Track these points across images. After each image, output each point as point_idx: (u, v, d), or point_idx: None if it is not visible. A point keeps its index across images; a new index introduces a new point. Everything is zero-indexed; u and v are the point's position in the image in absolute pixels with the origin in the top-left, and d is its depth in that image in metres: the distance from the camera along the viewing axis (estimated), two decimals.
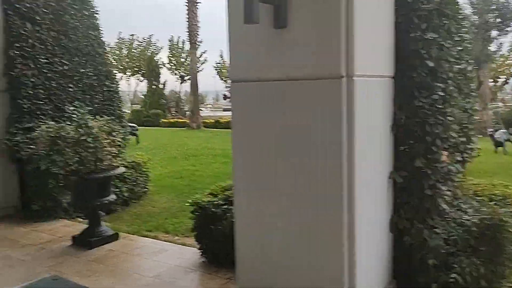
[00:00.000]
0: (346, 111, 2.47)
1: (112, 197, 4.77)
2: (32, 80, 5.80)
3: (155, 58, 30.86)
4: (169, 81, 32.94)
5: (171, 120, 26.29)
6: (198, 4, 21.10)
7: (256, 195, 2.90)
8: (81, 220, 5.69)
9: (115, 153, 4.70)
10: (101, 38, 6.86)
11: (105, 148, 4.56)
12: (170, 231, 5.41)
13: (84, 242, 4.63)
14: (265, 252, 2.90)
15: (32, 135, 5.43)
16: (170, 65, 32.56)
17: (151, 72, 28.86)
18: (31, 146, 5.36)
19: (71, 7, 6.37)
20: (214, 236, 3.95)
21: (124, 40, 34.18)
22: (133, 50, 33.41)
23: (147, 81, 29.64)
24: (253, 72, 2.77)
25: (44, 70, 5.95)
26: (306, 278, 2.74)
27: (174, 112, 29.77)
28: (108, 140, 4.61)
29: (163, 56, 33.83)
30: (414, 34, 3.04)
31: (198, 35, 21.31)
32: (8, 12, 5.77)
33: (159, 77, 29.41)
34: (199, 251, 4.17)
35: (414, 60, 3.06)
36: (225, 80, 29.50)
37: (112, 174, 4.67)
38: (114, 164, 4.78)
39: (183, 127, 23.00)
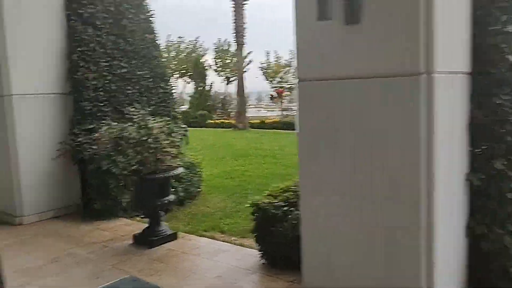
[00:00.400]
0: (426, 110, 2.35)
1: (172, 197, 4.83)
2: (93, 83, 6.00)
3: (201, 60, 31.36)
4: (215, 82, 33.41)
5: (217, 121, 26.56)
6: (244, 6, 21.23)
7: (324, 196, 2.82)
8: (140, 219, 5.81)
9: (174, 154, 4.76)
10: (157, 41, 7.01)
11: (164, 149, 4.63)
12: (226, 232, 5.41)
13: (145, 241, 4.71)
14: (335, 255, 2.81)
15: (94, 136, 5.63)
16: (216, 66, 32.98)
17: (197, 73, 29.33)
18: (93, 147, 5.55)
19: (129, 11, 6.54)
20: (275, 238, 3.89)
21: (172, 42, 34.98)
22: (180, 53, 34.12)
23: (193, 82, 30.15)
24: (323, 70, 2.69)
25: (104, 73, 6.14)
26: (379, 282, 2.63)
27: (220, 113, 30.09)
28: (168, 141, 4.67)
29: (209, 58, 34.39)
30: (493, 27, 2.85)
31: (244, 36, 21.46)
32: (71, 18, 6.00)
33: (206, 78, 29.83)
34: (259, 252, 4.13)
35: (493, 55, 2.87)
36: (270, 81, 29.49)
37: (171, 175, 4.72)
38: (173, 165, 4.84)
39: (229, 128, 23.19)
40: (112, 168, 5.44)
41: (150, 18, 6.89)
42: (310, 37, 2.72)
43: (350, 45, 2.54)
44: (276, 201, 4.03)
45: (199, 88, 29.29)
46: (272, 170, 9.43)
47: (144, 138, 4.46)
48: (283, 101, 24.56)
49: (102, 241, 4.91)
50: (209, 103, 29.39)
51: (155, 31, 6.91)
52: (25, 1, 5.66)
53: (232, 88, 31.05)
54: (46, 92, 5.89)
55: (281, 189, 4.28)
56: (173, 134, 4.76)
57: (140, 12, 6.72)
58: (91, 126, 5.89)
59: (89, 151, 5.52)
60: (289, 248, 3.79)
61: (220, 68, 33.06)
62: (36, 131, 5.79)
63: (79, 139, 5.79)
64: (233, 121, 24.57)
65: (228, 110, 30.26)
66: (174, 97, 7.22)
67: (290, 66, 27.79)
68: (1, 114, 5.59)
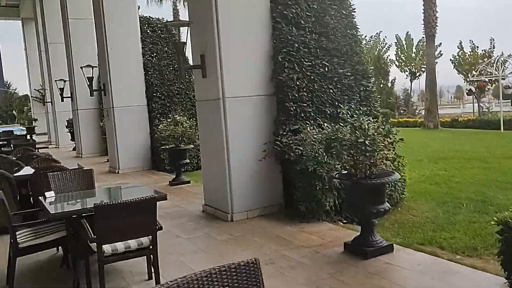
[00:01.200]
0: None
1: (387, 205, 4.37)
2: (297, 83, 5.95)
3: (383, 56, 30.01)
4: (398, 78, 31.68)
5: (400, 120, 24.95)
6: None
7: None
8: (343, 224, 5.53)
9: (391, 157, 4.30)
10: (358, 37, 6.64)
11: (382, 152, 4.21)
12: (445, 247, 4.70)
13: (358, 250, 4.37)
14: None
15: (300, 137, 5.56)
16: (399, 62, 31.16)
17: (379, 70, 28.12)
18: (300, 148, 5.48)
19: (331, 8, 6.33)
20: None
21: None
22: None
23: (375, 79, 29.03)
24: None
25: (308, 73, 6.04)
26: None
27: (403, 111, 28.29)
28: (385, 143, 4.23)
29: (391, 54, 32.67)
30: None
31: (436, 26, 19.49)
32: (277, 20, 6.07)
33: (388, 75, 28.43)
34: (506, 280, 3.37)
35: None
36: (464, 74, 26.34)
37: (389, 181, 4.27)
38: (389, 170, 4.39)
39: (415, 127, 21.48)
40: (319, 170, 5.29)
41: (352, 13, 6.55)
42: None
43: None
44: None
45: (380, 85, 28.04)
46: (485, 177, 8.12)
47: (360, 140, 4.10)
48: (484, 96, 21.56)
49: (312, 246, 4.75)
50: (391, 101, 27.88)
51: (357, 26, 6.55)
52: (235, 9, 5.92)
53: (417, 84, 28.85)
54: (253, 94, 6.07)
55: None
56: (390, 136, 4.29)
57: (342, 7, 6.44)
58: (295, 126, 5.86)
59: (296, 152, 5.46)
60: None
61: (403, 63, 31.11)
62: (245, 132, 6.02)
63: (284, 140, 5.79)
64: (419, 120, 22.74)
65: (413, 107, 28.25)
66: (375, 95, 6.73)
67: (490, 57, 24.29)
68: (217, 117, 5.95)
